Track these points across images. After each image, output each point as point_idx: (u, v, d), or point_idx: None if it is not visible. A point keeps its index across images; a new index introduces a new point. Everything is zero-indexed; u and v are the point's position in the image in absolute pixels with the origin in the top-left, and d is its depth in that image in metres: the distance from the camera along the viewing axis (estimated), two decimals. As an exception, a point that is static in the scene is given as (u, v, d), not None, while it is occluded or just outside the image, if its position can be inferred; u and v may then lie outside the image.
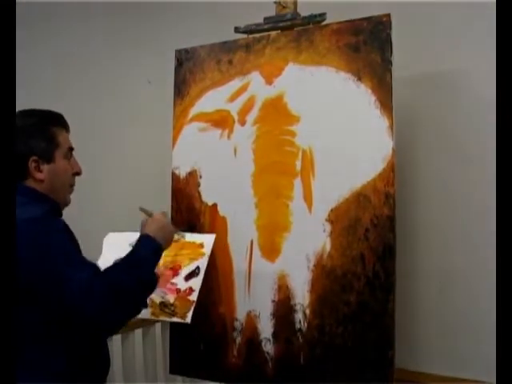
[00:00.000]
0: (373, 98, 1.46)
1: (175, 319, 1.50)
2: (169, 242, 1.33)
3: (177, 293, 1.53)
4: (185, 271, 1.54)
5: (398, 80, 1.44)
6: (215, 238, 1.56)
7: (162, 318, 1.53)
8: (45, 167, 1.18)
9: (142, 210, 1.38)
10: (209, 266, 1.53)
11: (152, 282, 1.20)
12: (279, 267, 1.57)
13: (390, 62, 1.43)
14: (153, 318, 1.53)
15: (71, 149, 1.25)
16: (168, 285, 1.53)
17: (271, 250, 1.59)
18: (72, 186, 1.26)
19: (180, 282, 1.53)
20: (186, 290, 1.51)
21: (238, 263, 1.63)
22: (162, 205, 1.58)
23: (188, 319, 1.48)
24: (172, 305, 1.52)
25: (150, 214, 1.36)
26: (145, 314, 1.36)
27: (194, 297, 1.49)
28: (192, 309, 1.49)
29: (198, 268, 1.52)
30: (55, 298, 1.04)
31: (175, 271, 1.56)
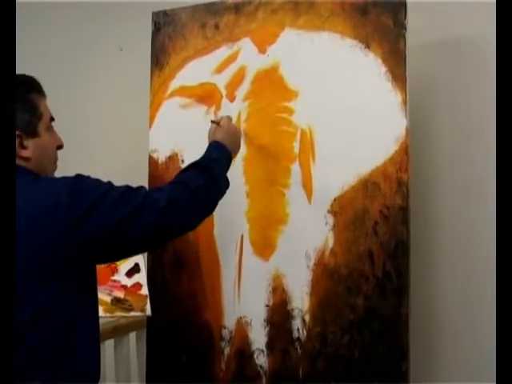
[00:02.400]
0: (383, 69, 1.46)
1: (134, 313, 1.63)
2: (237, 147, 1.50)
3: (124, 289, 1.65)
4: (123, 268, 1.68)
5: (409, 48, 1.44)
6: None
7: (119, 313, 1.65)
8: (30, 143, 1.18)
9: (212, 121, 1.51)
10: (191, 265, 1.54)
11: (226, 181, 1.37)
12: (274, 266, 1.57)
13: (404, 27, 1.43)
14: (108, 315, 1.64)
15: (52, 119, 1.24)
16: (109, 282, 1.65)
17: (265, 246, 1.59)
18: (56, 162, 1.26)
19: (123, 278, 1.67)
20: (133, 285, 1.66)
21: (226, 262, 1.63)
22: None
23: (148, 312, 1.65)
24: (125, 300, 1.64)
25: (218, 123, 1.49)
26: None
27: (145, 291, 1.63)
28: (148, 302, 1.63)
29: (136, 265, 1.66)
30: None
31: (112, 268, 1.70)
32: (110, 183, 1.18)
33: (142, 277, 1.70)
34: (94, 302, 1.21)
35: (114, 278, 1.69)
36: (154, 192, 1.23)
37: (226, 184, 1.39)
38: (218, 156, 1.39)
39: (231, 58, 1.65)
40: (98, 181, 1.16)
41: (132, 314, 1.67)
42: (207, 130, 1.52)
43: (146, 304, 1.67)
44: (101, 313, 1.58)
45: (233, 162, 1.46)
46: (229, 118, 1.52)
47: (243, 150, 1.60)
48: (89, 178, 1.15)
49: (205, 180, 1.29)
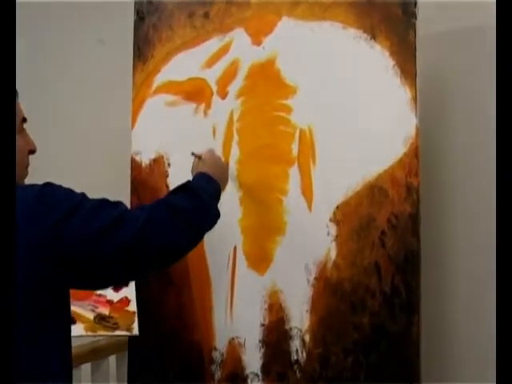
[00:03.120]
0: (391, 62, 1.44)
1: (120, 332, 1.58)
2: (225, 179, 1.51)
3: (110, 304, 1.62)
4: None
5: (418, 39, 1.43)
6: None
7: (102, 332, 1.59)
8: None
9: (193, 154, 1.50)
10: (178, 280, 1.52)
11: (216, 211, 1.34)
12: (270, 281, 1.56)
13: (414, 15, 1.41)
14: (89, 334, 1.59)
15: (24, 120, 1.21)
16: (94, 297, 1.62)
17: (260, 259, 1.58)
18: (27, 167, 1.22)
19: (109, 293, 1.63)
20: (120, 300, 1.62)
21: (217, 276, 1.61)
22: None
23: (136, 331, 1.60)
24: (110, 317, 1.59)
25: (199, 157, 1.49)
26: (77, 330, 1.49)
27: (133, 307, 1.58)
28: (136, 320, 1.57)
29: None
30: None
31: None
32: (83, 194, 1.15)
33: (130, 291, 1.65)
34: (66, 334, 1.16)
35: (99, 292, 1.67)
36: (134, 209, 1.21)
37: (217, 214, 1.35)
38: (206, 185, 1.36)
39: (222, 51, 1.63)
40: (70, 190, 1.13)
41: (117, 333, 1.62)
42: (196, 130, 1.50)
43: (133, 322, 1.63)
44: (82, 331, 1.56)
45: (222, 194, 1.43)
46: (211, 152, 1.52)
47: (236, 152, 1.58)
48: (60, 186, 1.12)
49: (192, 203, 1.26)
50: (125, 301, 1.67)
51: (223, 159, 1.56)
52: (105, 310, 1.65)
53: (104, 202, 1.14)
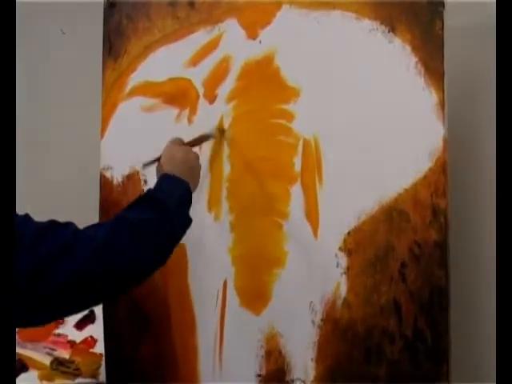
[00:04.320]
0: (413, 59, 1.40)
1: (82, 380, 1.59)
2: (195, 174, 1.49)
3: (71, 346, 1.64)
4: (72, 317, 1.67)
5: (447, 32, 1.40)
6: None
7: (61, 381, 1.59)
8: None
9: (145, 165, 1.53)
10: (157, 320, 1.56)
11: (184, 217, 1.36)
12: (268, 322, 1.55)
13: (442, 3, 1.38)
14: (45, 383, 1.59)
15: None
16: (51, 337, 1.65)
17: (255, 296, 1.57)
18: None
19: (70, 331, 1.67)
20: (84, 340, 1.63)
21: (204, 316, 1.61)
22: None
23: (102, 378, 1.59)
24: (71, 361, 1.60)
25: (157, 159, 1.49)
26: (29, 379, 1.51)
27: (100, 348, 1.58)
28: (103, 365, 1.57)
29: (91, 313, 1.66)
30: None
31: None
32: (26, 217, 1.15)
33: (97, 329, 1.65)
34: None
35: (59, 331, 1.67)
36: (88, 229, 1.21)
37: (186, 221, 1.36)
38: (171, 189, 1.36)
39: (211, 46, 1.62)
40: None
41: (79, 380, 1.61)
42: None
43: (99, 367, 1.62)
44: (35, 381, 1.56)
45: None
46: (172, 144, 1.51)
47: (227, 167, 1.58)
48: None
49: (154, 214, 1.27)
50: (89, 341, 1.70)
51: (188, 149, 1.52)
52: (64, 353, 1.66)
53: (51, 223, 1.16)
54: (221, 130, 1.58)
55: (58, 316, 1.32)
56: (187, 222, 1.36)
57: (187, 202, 1.39)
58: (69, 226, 1.17)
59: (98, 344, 1.66)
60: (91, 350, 1.67)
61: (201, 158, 1.59)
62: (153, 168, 1.61)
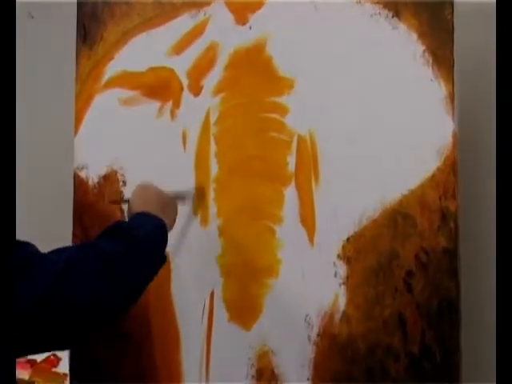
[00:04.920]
0: (420, 48, 1.40)
1: None
2: (172, 214, 1.50)
3: (30, 365, 1.64)
4: None
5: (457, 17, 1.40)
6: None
7: None
8: None
9: (111, 202, 1.56)
10: (137, 336, 1.56)
11: (158, 255, 1.35)
12: (259, 338, 1.54)
13: (452, -16, 1.39)
14: None
15: None
16: None
17: (246, 309, 1.56)
18: None
19: None
20: (45, 359, 1.64)
21: (189, 331, 1.61)
22: (57, 231, 1.62)
23: None
24: (31, 382, 1.63)
25: (125, 200, 1.51)
26: None
27: (64, 368, 1.61)
28: None
29: None
30: None
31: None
32: None
33: None
34: None
35: None
36: (51, 252, 1.18)
37: (159, 258, 1.36)
38: (142, 222, 1.35)
39: (196, 32, 1.62)
40: None
41: None
42: (161, 137, 1.56)
43: None
44: None
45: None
46: (144, 185, 1.50)
47: (214, 166, 1.58)
48: None
49: (123, 245, 1.25)
50: (52, 360, 1.70)
51: (164, 191, 1.52)
52: (24, 374, 1.67)
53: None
54: (200, 191, 1.58)
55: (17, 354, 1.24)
56: (161, 260, 1.36)
57: (161, 238, 1.39)
58: (26, 246, 1.14)
59: (61, 363, 1.66)
60: (54, 370, 1.66)
61: (185, 158, 1.60)
62: (134, 167, 1.61)
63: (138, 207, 1.41)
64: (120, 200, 1.51)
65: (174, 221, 1.50)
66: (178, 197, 1.55)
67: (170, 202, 1.51)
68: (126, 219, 1.45)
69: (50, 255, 1.15)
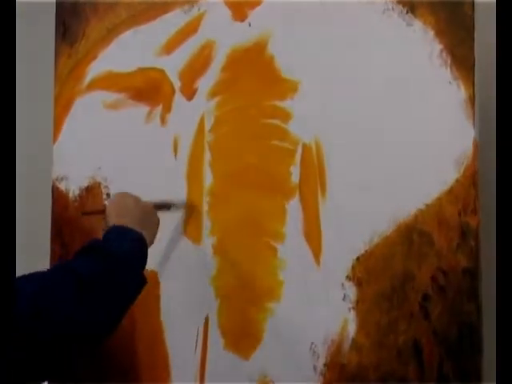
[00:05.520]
0: (437, 46, 1.39)
1: None
2: (153, 224, 1.49)
3: None
4: None
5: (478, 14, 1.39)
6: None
7: None
8: None
9: (84, 213, 1.56)
10: (122, 366, 1.57)
11: (136, 276, 1.34)
12: (259, 368, 1.53)
13: (473, -22, 1.38)
14: None
15: None
16: None
17: (243, 336, 1.55)
18: None
19: None
20: None
21: (181, 362, 1.60)
22: (34, 248, 1.66)
23: None
24: None
25: (101, 210, 1.50)
26: None
27: None
28: None
29: None
30: None
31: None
32: None
33: None
34: None
35: None
36: (23, 277, 1.19)
37: (139, 279, 1.35)
38: (119, 238, 1.35)
39: (189, 29, 1.62)
40: None
41: None
42: (150, 144, 1.57)
43: None
44: None
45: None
46: (121, 195, 1.51)
47: (209, 177, 1.58)
48: None
49: (102, 267, 1.25)
50: None
51: (138, 197, 1.52)
52: None
53: None
54: (190, 207, 1.58)
55: None
56: (141, 281, 1.35)
57: (140, 256, 1.38)
58: None
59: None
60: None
61: (176, 168, 1.60)
62: (120, 178, 1.59)
63: (115, 219, 1.41)
64: (94, 211, 1.51)
65: (155, 234, 1.49)
66: (161, 206, 1.55)
67: (150, 211, 1.50)
68: (104, 232, 1.44)
69: (22, 279, 1.15)
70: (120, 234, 1.36)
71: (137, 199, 1.48)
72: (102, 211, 1.47)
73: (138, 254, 1.37)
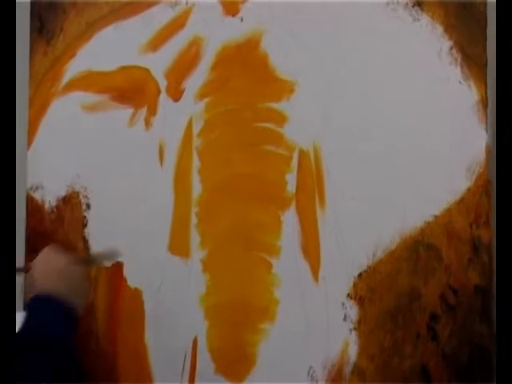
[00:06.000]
0: (446, 43, 1.38)
1: None
2: (80, 288, 1.42)
3: None
4: None
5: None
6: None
7: None
8: None
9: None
10: None
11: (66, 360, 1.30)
12: None
13: (484, -32, 1.36)
14: None
15: None
16: None
17: (236, 359, 1.53)
18: None
19: None
20: None
21: None
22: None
23: None
24: None
25: (25, 270, 1.46)
26: None
27: None
28: None
29: None
30: None
31: None
32: None
33: None
34: None
35: None
36: None
37: (68, 362, 1.32)
38: (45, 315, 1.32)
39: (176, 24, 1.61)
40: None
41: None
42: (133, 150, 1.56)
43: None
44: None
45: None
46: (43, 253, 1.46)
47: (197, 186, 1.57)
48: None
49: (36, 357, 1.24)
50: None
51: (63, 257, 1.46)
52: None
53: None
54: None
55: None
56: (70, 363, 1.32)
57: (68, 327, 1.34)
58: None
59: None
60: None
61: (162, 176, 1.59)
62: (100, 187, 1.61)
63: (40, 283, 1.38)
64: (22, 269, 1.49)
65: (83, 298, 1.45)
66: (105, 257, 1.56)
67: (72, 271, 1.43)
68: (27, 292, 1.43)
69: None
70: (43, 309, 1.33)
71: (58, 256, 1.44)
72: (25, 270, 1.46)
73: (61, 329, 1.33)
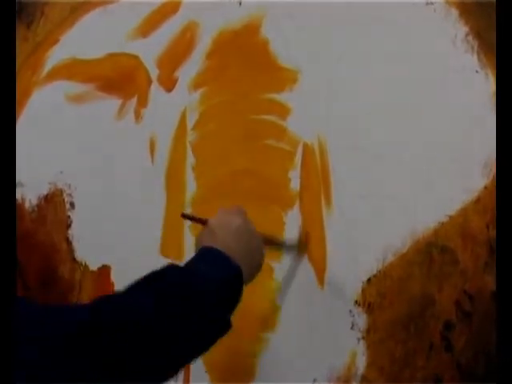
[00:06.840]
0: (462, 29, 1.37)
1: None
2: (255, 263, 1.39)
3: None
4: None
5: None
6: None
7: None
8: None
9: (185, 216, 1.49)
10: None
11: (220, 318, 1.26)
12: None
13: None
14: None
15: None
16: None
17: (234, 372, 1.56)
18: None
19: None
20: None
21: None
22: None
23: None
24: None
25: (203, 221, 1.41)
26: None
27: None
28: None
29: None
30: None
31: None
32: None
33: None
34: None
35: None
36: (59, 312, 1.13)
37: (222, 322, 1.27)
38: (210, 269, 1.27)
39: (169, 8, 1.63)
40: None
41: None
42: (122, 145, 1.59)
43: None
44: None
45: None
46: (228, 212, 1.42)
47: (192, 184, 1.59)
48: None
49: (179, 308, 1.19)
50: None
51: (247, 220, 1.43)
52: None
53: None
54: (303, 245, 1.51)
55: None
56: (224, 324, 1.27)
57: (231, 296, 1.31)
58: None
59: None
60: None
61: (154, 173, 1.61)
62: (86, 184, 1.57)
63: (212, 240, 1.35)
64: (195, 218, 1.44)
65: (258, 269, 1.41)
66: (272, 241, 1.50)
67: (257, 245, 1.41)
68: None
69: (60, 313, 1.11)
70: (212, 263, 1.30)
71: (245, 221, 1.41)
72: (203, 222, 1.40)
73: (226, 292, 1.30)
